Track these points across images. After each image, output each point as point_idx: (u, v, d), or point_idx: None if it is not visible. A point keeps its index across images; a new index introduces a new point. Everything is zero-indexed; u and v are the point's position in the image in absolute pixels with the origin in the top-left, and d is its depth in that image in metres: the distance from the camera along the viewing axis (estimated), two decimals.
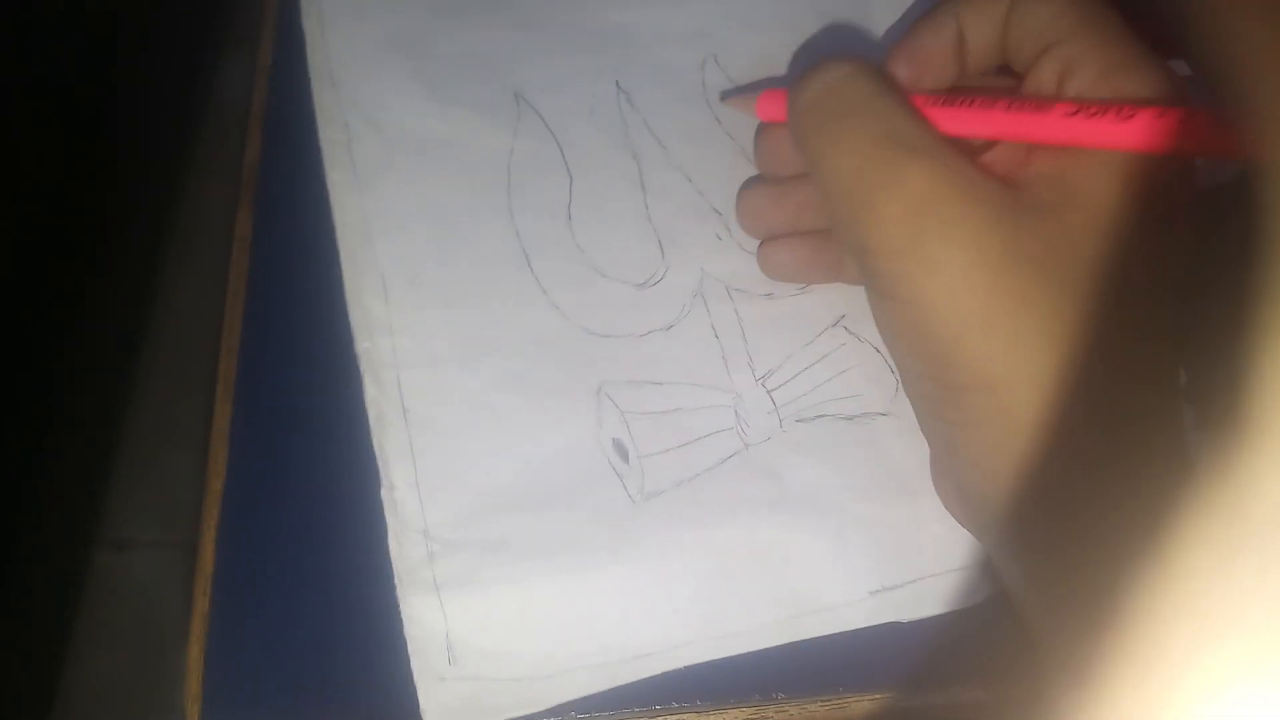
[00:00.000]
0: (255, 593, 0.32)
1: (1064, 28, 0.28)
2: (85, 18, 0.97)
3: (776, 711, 0.32)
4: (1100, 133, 0.26)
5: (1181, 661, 0.13)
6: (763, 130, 0.36)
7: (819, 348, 0.36)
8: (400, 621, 0.32)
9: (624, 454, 0.34)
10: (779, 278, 0.36)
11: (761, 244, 0.36)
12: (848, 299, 0.37)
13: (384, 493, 0.33)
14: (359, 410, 0.34)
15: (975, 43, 0.31)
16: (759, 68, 0.42)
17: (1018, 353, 0.25)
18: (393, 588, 0.32)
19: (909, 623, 0.33)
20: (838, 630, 0.32)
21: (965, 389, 0.26)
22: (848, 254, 0.30)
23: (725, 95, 0.39)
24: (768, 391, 0.35)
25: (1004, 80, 0.32)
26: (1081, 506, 0.25)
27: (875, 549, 0.33)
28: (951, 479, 0.31)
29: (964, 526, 0.31)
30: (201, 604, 0.32)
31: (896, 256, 0.26)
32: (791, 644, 0.32)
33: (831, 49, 0.41)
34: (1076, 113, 0.27)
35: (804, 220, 0.35)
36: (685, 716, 0.32)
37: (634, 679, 0.31)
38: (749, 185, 0.36)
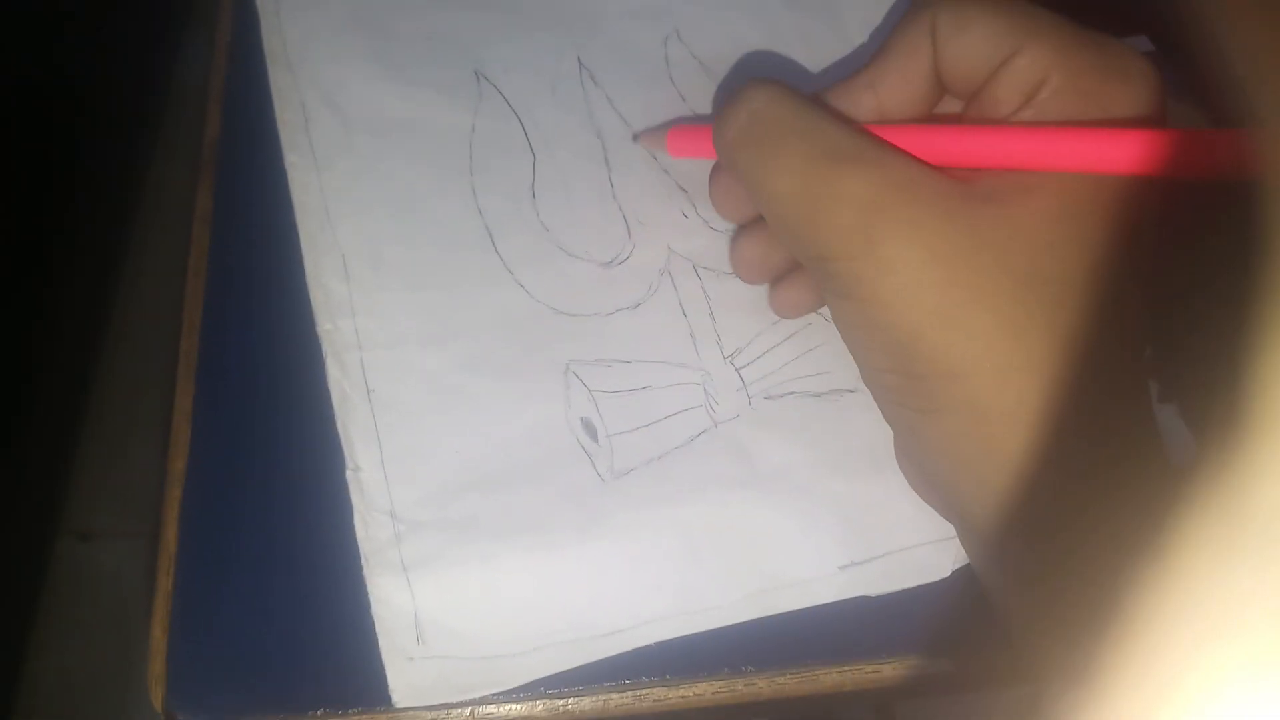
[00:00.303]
0: (219, 573, 0.32)
1: (1017, 38, 0.27)
2: None
3: (745, 685, 0.32)
4: (1094, 157, 0.25)
5: (1180, 663, 0.13)
6: (713, 178, 0.35)
7: (786, 326, 0.36)
8: (367, 602, 0.31)
9: (593, 433, 0.34)
10: (795, 316, 0.36)
11: (771, 289, 0.35)
12: None
13: (349, 474, 0.33)
14: (323, 391, 0.34)
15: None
16: (722, 44, 0.41)
17: (979, 342, 0.25)
18: (359, 568, 0.32)
19: (878, 596, 0.33)
20: (807, 605, 0.32)
21: (928, 378, 0.26)
22: (803, 264, 0.29)
23: (637, 136, 0.39)
24: (736, 369, 0.35)
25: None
26: (1053, 489, 0.25)
27: (844, 524, 0.33)
28: (916, 463, 0.31)
29: (931, 506, 0.31)
30: (165, 583, 0.32)
31: (850, 260, 0.26)
32: (761, 618, 0.32)
33: (796, 25, 0.41)
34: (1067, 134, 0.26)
35: None
36: (655, 690, 0.32)
37: (604, 655, 0.31)
38: (738, 237, 0.35)
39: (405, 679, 0.30)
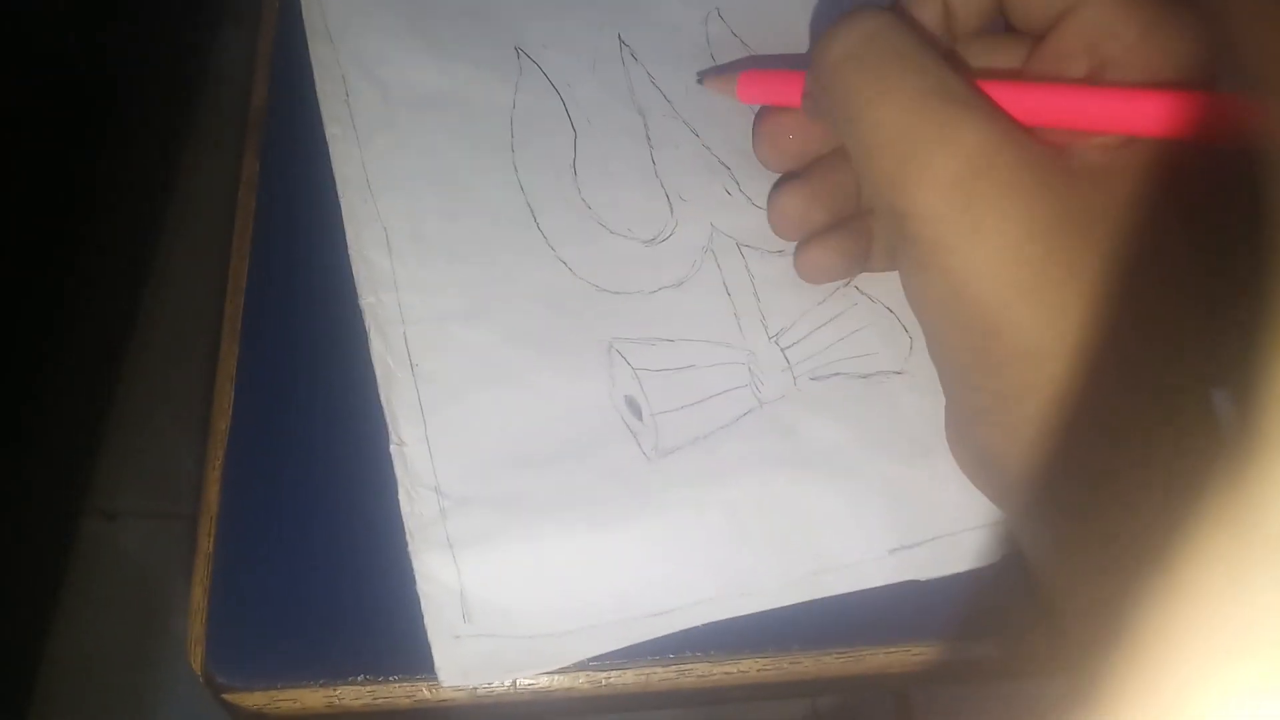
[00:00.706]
0: (260, 537, 0.32)
1: None
2: None
3: (791, 663, 0.31)
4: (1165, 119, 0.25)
5: (1193, 676, 0.13)
6: (761, 121, 0.34)
7: (831, 307, 0.36)
8: (409, 570, 0.31)
9: (637, 411, 0.33)
10: (820, 281, 0.35)
11: (799, 250, 0.34)
12: None
13: (393, 448, 0.32)
14: (366, 362, 0.34)
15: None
16: (764, 22, 0.41)
17: (1066, 323, 0.24)
18: (400, 536, 0.31)
19: (928, 581, 0.32)
20: (858, 588, 0.32)
21: (1009, 360, 0.25)
22: (882, 218, 0.28)
23: (702, 76, 0.38)
24: (781, 349, 0.35)
25: (1010, 44, 0.31)
26: (1114, 477, 0.25)
27: (893, 507, 0.32)
28: (974, 445, 0.30)
29: (981, 490, 0.31)
30: (205, 545, 0.32)
31: (940, 222, 0.25)
32: (810, 600, 0.32)
33: (839, 4, 0.41)
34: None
35: (844, 208, 0.34)
36: (698, 666, 0.31)
37: (651, 636, 0.31)
38: (778, 189, 0.34)
39: (451, 658, 0.30)
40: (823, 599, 0.32)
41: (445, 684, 0.30)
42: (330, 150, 0.37)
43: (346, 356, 0.34)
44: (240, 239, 0.36)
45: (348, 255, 0.35)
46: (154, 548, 0.99)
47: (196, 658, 0.30)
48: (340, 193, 0.36)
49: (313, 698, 0.30)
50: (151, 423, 1.05)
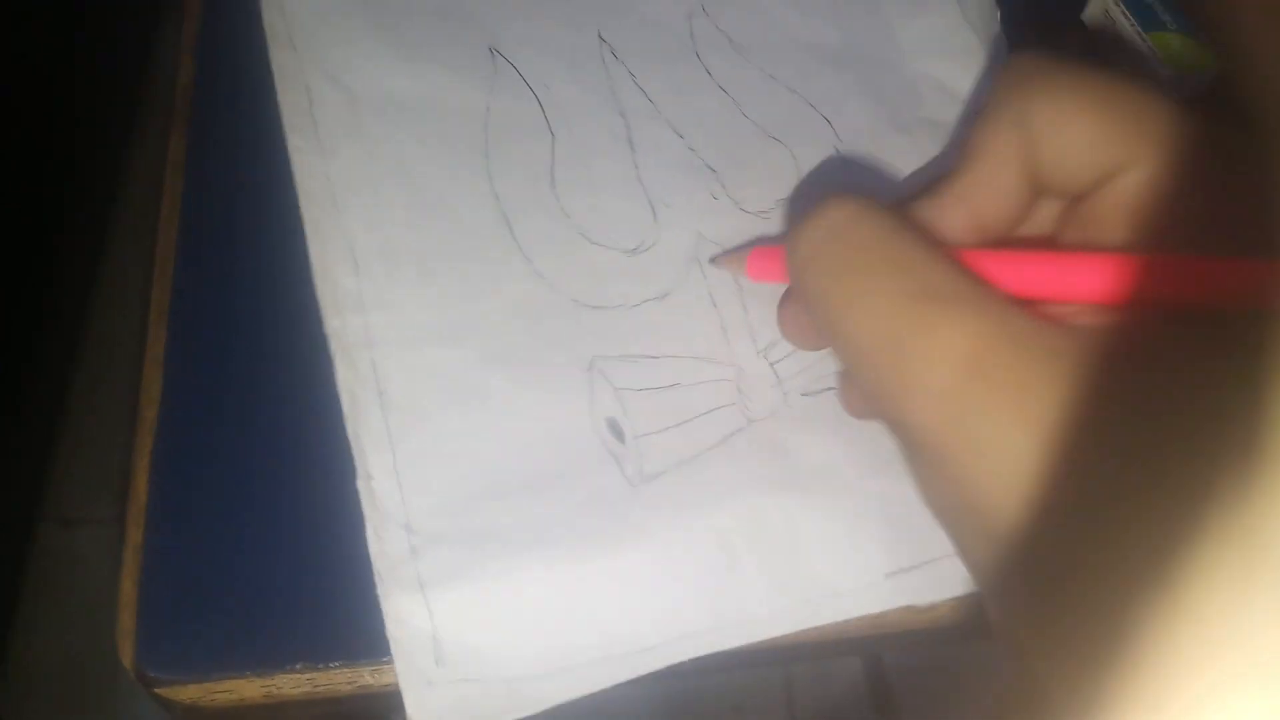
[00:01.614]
0: (192, 525, 0.31)
1: (1126, 146, 0.23)
2: None
3: None
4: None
5: (1195, 703, 0.13)
6: (784, 303, 0.30)
7: None
8: (348, 551, 0.30)
9: (619, 434, 0.32)
10: (861, 415, 0.31)
11: (844, 385, 0.31)
12: None
13: (360, 484, 0.30)
14: (331, 395, 0.32)
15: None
16: (750, 18, 0.39)
17: (1085, 546, 0.21)
18: (335, 515, 0.31)
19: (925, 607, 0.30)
20: (854, 616, 0.30)
21: (1027, 571, 0.22)
22: (881, 421, 0.25)
23: (714, 259, 0.34)
24: (770, 364, 0.33)
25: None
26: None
27: (889, 529, 0.31)
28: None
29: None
30: (134, 535, 0.31)
31: (934, 434, 0.22)
32: None
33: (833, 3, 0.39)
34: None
35: None
36: None
37: (637, 674, 0.29)
38: (789, 296, 0.30)
39: (424, 705, 0.28)
40: None
41: None
42: (293, 163, 0.35)
43: (279, 337, 0.33)
44: (167, 222, 0.35)
45: (280, 236, 0.34)
46: (112, 554, 0.98)
47: (126, 652, 0.29)
48: (303, 208, 0.34)
49: (250, 689, 0.29)
50: (107, 429, 1.04)
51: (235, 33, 0.37)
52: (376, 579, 0.29)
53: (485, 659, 0.29)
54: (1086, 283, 0.23)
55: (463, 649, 0.29)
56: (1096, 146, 0.23)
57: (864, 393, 0.25)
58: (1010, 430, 0.21)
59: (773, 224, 0.36)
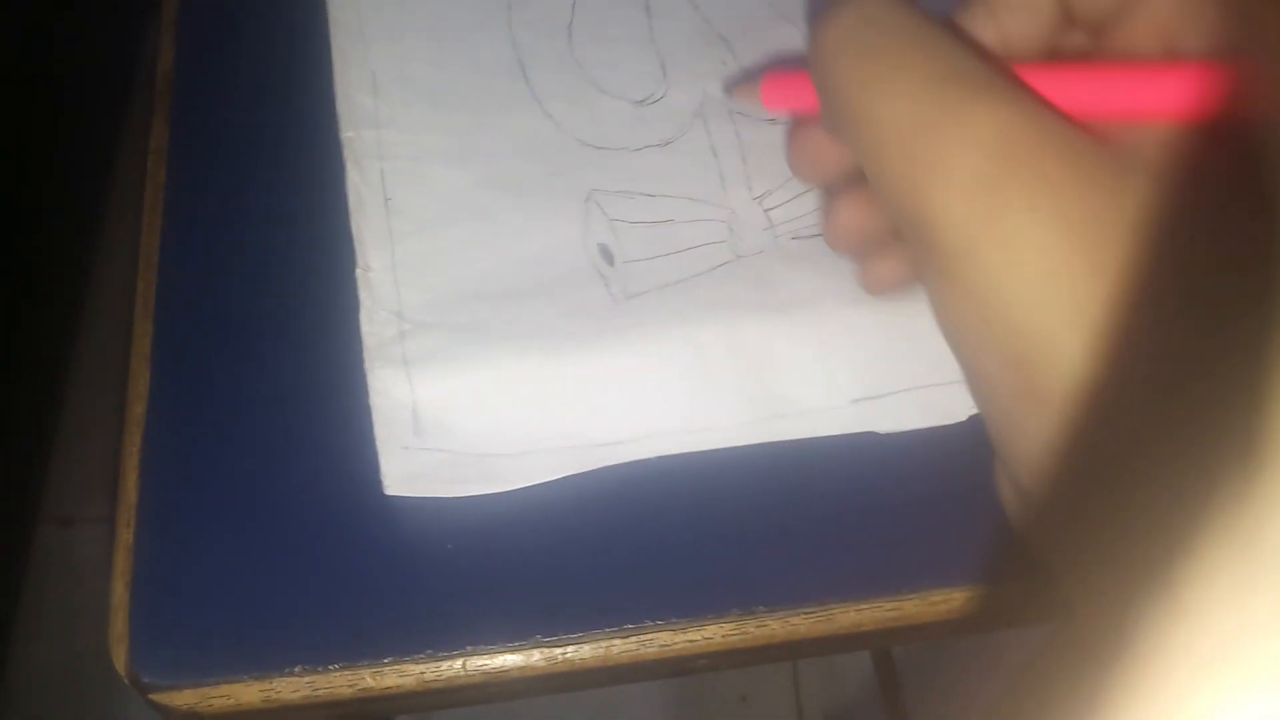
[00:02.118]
0: (185, 525, 0.30)
1: None
2: None
3: (757, 626, 0.29)
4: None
5: (1188, 689, 0.12)
6: (794, 134, 0.30)
7: None
8: (344, 553, 0.29)
9: (609, 257, 0.33)
10: (842, 248, 0.31)
11: (865, 265, 0.31)
12: None
13: (359, 273, 0.32)
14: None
15: None
16: None
17: (1129, 354, 0.20)
18: (332, 518, 0.30)
19: (885, 434, 0.31)
20: (815, 435, 0.30)
21: (1056, 395, 0.21)
22: (896, 225, 0.24)
23: (729, 86, 0.34)
24: (765, 210, 0.34)
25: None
26: (1146, 500, 0.21)
27: (861, 356, 0.31)
28: (1010, 473, 0.26)
29: (1021, 530, 0.27)
30: (125, 536, 0.30)
31: (962, 229, 0.21)
32: (770, 555, 0.30)
33: None
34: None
35: None
36: (660, 635, 0.29)
37: (602, 464, 0.30)
38: (831, 200, 0.30)
39: (398, 467, 0.29)
40: (790, 555, 0.30)
41: (390, 491, 0.29)
42: None
43: (271, 329, 0.32)
44: (150, 213, 0.34)
45: (269, 224, 0.34)
46: (111, 553, 0.99)
47: (120, 657, 0.28)
48: (332, 35, 0.36)
49: (247, 693, 0.28)
50: (103, 426, 1.03)
51: (216, 13, 0.37)
52: (365, 355, 0.30)
53: (459, 434, 0.30)
54: (1132, 94, 0.22)
55: (439, 423, 0.30)
56: None
57: (885, 189, 0.23)
58: (1043, 226, 0.20)
59: None
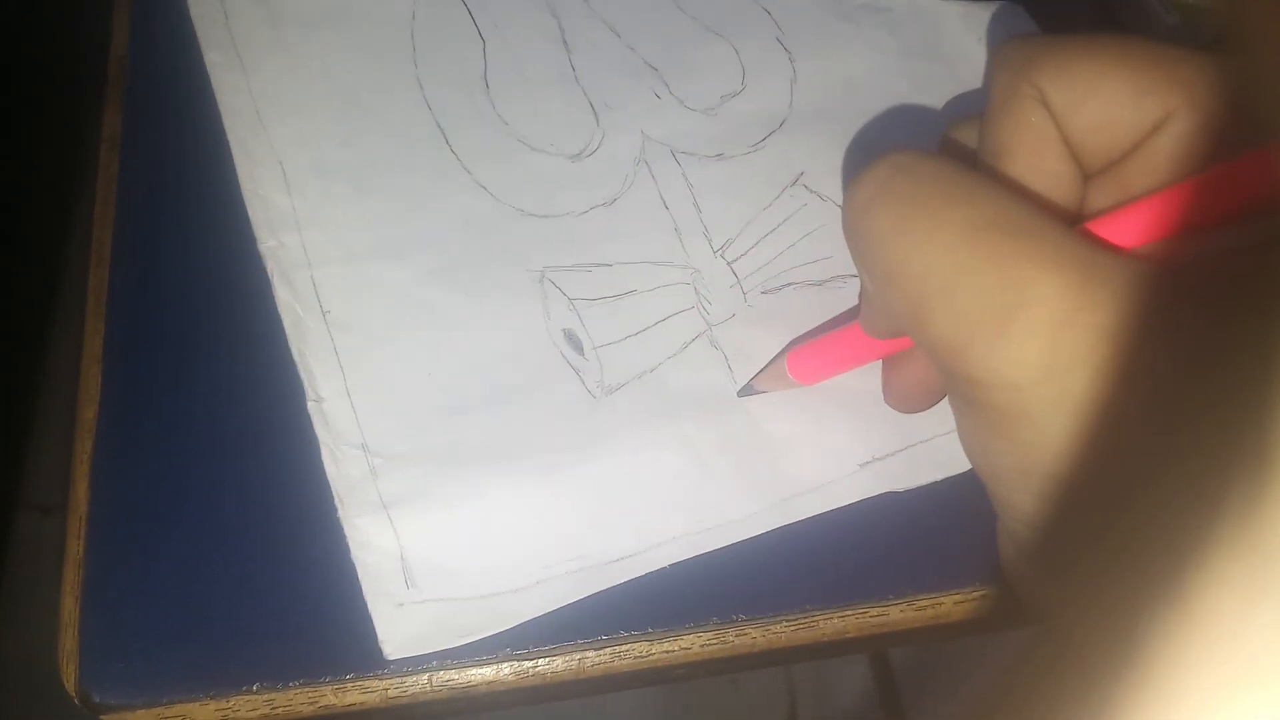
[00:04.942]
0: (137, 536, 0.28)
1: (1161, 97, 0.21)
2: None
3: (737, 635, 0.29)
4: None
5: (1204, 706, 0.12)
6: (888, 377, 0.29)
7: (780, 210, 0.33)
8: (308, 563, 0.28)
9: (578, 345, 0.30)
10: (907, 408, 0.30)
11: (894, 379, 0.29)
12: (806, 152, 0.34)
13: (310, 405, 0.29)
14: (264, 318, 0.30)
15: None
16: None
17: (1125, 368, 0.19)
18: (297, 527, 0.28)
19: (904, 492, 0.30)
20: (830, 508, 0.29)
21: (1081, 522, 0.21)
22: (940, 370, 0.23)
23: (742, 393, 0.31)
24: (728, 263, 0.32)
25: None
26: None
27: (860, 419, 0.30)
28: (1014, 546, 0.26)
29: (1023, 594, 0.27)
30: (75, 548, 0.28)
31: (1016, 392, 0.20)
32: (750, 561, 0.29)
33: None
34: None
35: None
36: (636, 646, 0.28)
37: (613, 584, 0.28)
38: (894, 361, 0.29)
39: (397, 628, 0.27)
40: (770, 562, 0.29)
41: (391, 656, 0.27)
42: (212, 81, 0.33)
43: (229, 331, 0.30)
44: (103, 205, 0.32)
45: (228, 218, 0.31)
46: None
47: (69, 676, 0.27)
48: (227, 127, 0.32)
49: (203, 713, 0.27)
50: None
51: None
52: (336, 501, 0.28)
53: (456, 577, 0.28)
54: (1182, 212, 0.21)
55: (432, 568, 0.28)
56: (1130, 104, 0.22)
57: (929, 345, 0.22)
58: (1099, 384, 0.19)
59: (719, 121, 0.34)
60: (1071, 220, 0.23)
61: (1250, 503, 0.12)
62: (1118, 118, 0.22)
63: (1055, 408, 0.20)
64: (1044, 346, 0.19)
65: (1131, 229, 0.22)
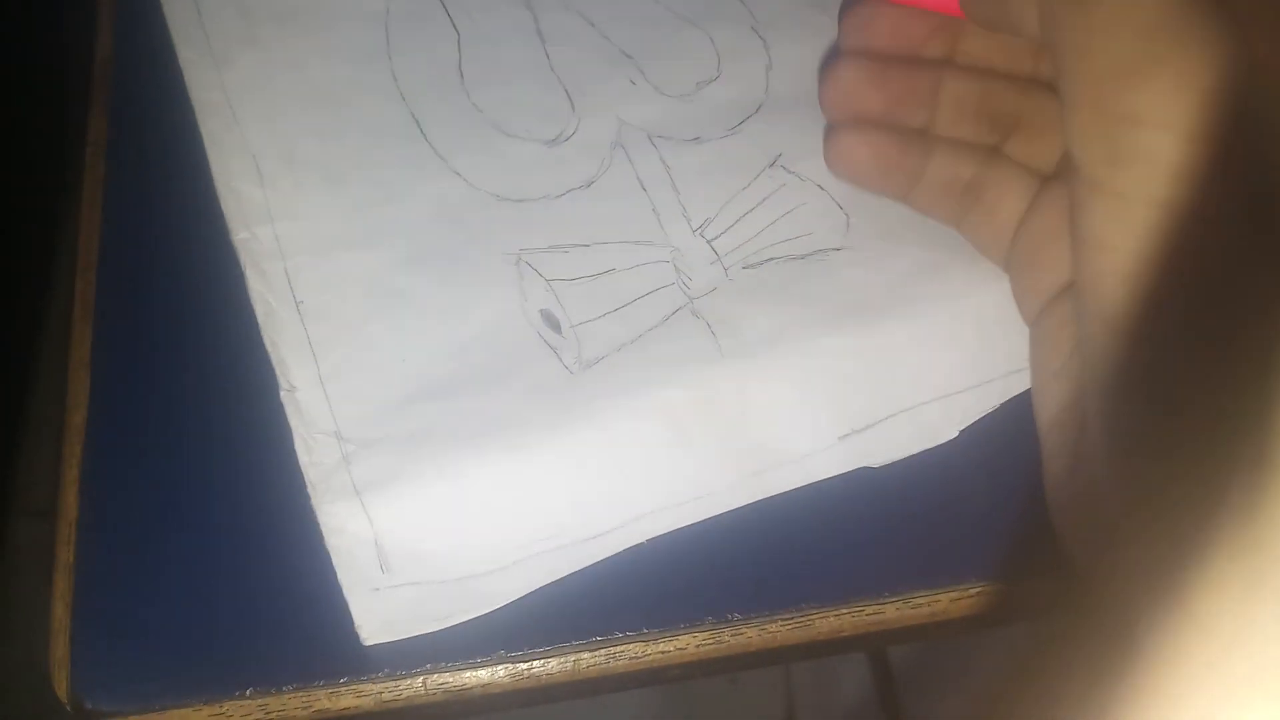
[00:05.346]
0: (128, 542, 0.28)
1: None
2: None
3: (733, 635, 0.28)
4: None
5: (1208, 709, 0.13)
6: (829, 76, 0.30)
7: (758, 190, 0.32)
8: (301, 567, 0.27)
9: (555, 325, 0.30)
10: (848, 176, 0.31)
11: (831, 131, 0.30)
12: (784, 135, 0.33)
13: (283, 395, 0.28)
14: (244, 314, 0.30)
15: None
16: None
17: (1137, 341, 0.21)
18: (289, 528, 0.28)
19: (881, 467, 0.29)
20: (807, 482, 0.28)
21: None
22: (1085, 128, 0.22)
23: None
24: (708, 241, 0.31)
25: None
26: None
27: (840, 389, 0.29)
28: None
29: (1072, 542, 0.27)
30: (65, 555, 0.27)
31: (1168, 130, 0.20)
32: (745, 559, 0.28)
33: None
34: None
35: (902, 112, 0.29)
36: (631, 646, 0.28)
37: (593, 560, 0.27)
38: (840, 61, 0.30)
39: (372, 613, 0.26)
40: (765, 559, 0.28)
41: (368, 642, 0.26)
42: (185, 76, 0.33)
43: (217, 334, 0.30)
44: (90, 208, 0.32)
45: (215, 220, 0.31)
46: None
47: (61, 683, 0.26)
48: (200, 123, 0.32)
49: (196, 718, 0.27)
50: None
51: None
52: (309, 489, 0.27)
53: (433, 561, 0.27)
54: None
55: (408, 553, 0.27)
56: None
57: (1087, 63, 0.22)
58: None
59: (696, 107, 0.34)
60: None
61: (1250, 503, 0.12)
62: None
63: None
64: (1198, 103, 0.20)
65: None
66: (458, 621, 0.27)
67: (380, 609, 0.26)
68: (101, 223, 0.32)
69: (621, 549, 0.27)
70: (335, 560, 0.27)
